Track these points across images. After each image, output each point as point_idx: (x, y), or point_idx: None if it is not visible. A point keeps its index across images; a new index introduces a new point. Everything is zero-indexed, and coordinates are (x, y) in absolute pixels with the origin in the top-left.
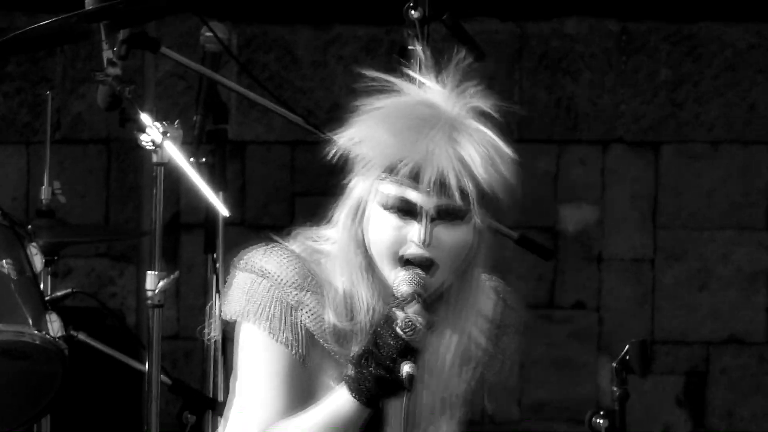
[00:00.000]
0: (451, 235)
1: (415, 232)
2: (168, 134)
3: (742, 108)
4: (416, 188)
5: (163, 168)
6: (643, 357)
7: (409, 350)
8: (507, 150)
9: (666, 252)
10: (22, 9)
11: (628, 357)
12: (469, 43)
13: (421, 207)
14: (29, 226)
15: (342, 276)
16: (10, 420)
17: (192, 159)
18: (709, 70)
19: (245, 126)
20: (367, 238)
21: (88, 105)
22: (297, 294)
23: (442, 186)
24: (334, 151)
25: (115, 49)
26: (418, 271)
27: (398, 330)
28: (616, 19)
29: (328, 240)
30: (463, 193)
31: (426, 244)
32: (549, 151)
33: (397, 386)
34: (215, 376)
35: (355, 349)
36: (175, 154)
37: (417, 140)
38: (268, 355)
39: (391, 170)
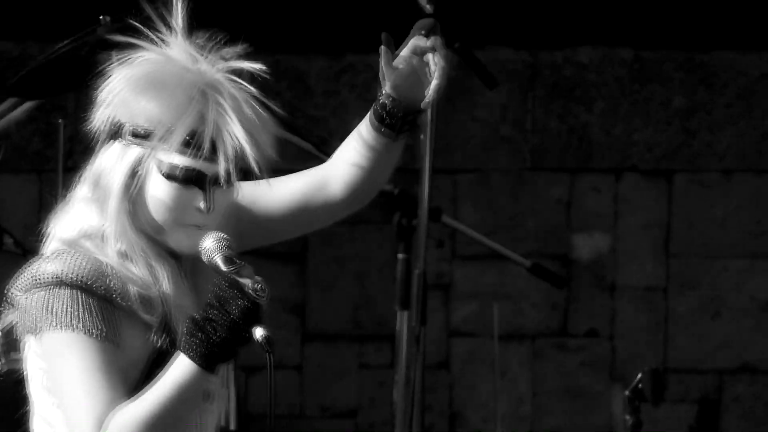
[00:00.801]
0: (225, 197)
1: (201, 200)
2: None
3: (754, 137)
4: (205, 158)
5: None
6: (656, 385)
7: (259, 313)
8: (269, 105)
9: (679, 280)
10: (34, 38)
11: (640, 385)
12: (481, 71)
13: (207, 176)
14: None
15: (120, 245)
16: None
17: None
18: (722, 99)
19: None
20: (144, 205)
21: None
22: (102, 283)
23: (226, 153)
24: (97, 123)
25: None
26: (220, 234)
27: (251, 293)
28: (629, 48)
29: (89, 218)
30: (242, 157)
31: (211, 211)
32: (562, 179)
33: (237, 350)
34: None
35: (158, 313)
36: None
37: (199, 111)
38: (87, 355)
39: (177, 142)
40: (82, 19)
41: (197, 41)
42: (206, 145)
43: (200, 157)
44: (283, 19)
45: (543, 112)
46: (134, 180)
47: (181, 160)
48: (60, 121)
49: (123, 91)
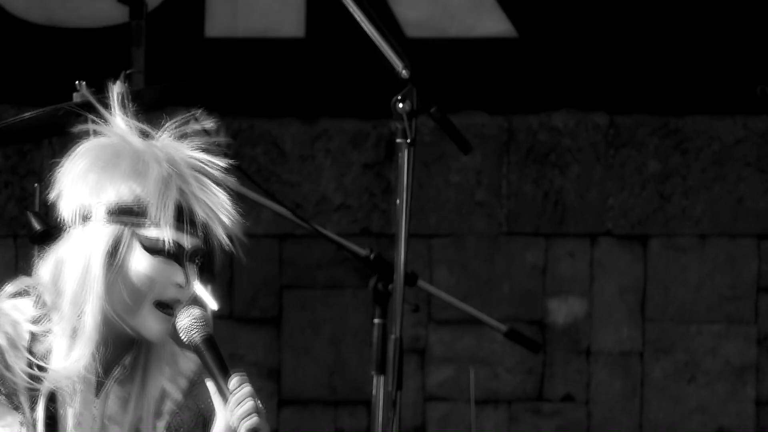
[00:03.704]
0: (195, 276)
1: (180, 274)
2: None
3: (729, 201)
4: (182, 230)
5: None
6: None
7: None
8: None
9: (654, 345)
10: (9, 102)
11: None
12: (456, 136)
13: (185, 249)
14: None
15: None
16: None
17: None
18: (697, 164)
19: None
20: (120, 284)
21: None
22: None
23: (200, 227)
24: (64, 211)
25: None
26: (195, 310)
27: None
28: (604, 113)
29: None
30: (206, 234)
31: (188, 285)
32: (537, 244)
33: None
34: None
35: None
36: None
37: (176, 185)
38: None
39: (163, 216)
40: (58, 84)
41: (149, 121)
42: (187, 219)
43: (184, 232)
44: (258, 84)
45: (518, 177)
46: (115, 257)
47: (170, 235)
48: (35, 185)
49: (88, 173)
